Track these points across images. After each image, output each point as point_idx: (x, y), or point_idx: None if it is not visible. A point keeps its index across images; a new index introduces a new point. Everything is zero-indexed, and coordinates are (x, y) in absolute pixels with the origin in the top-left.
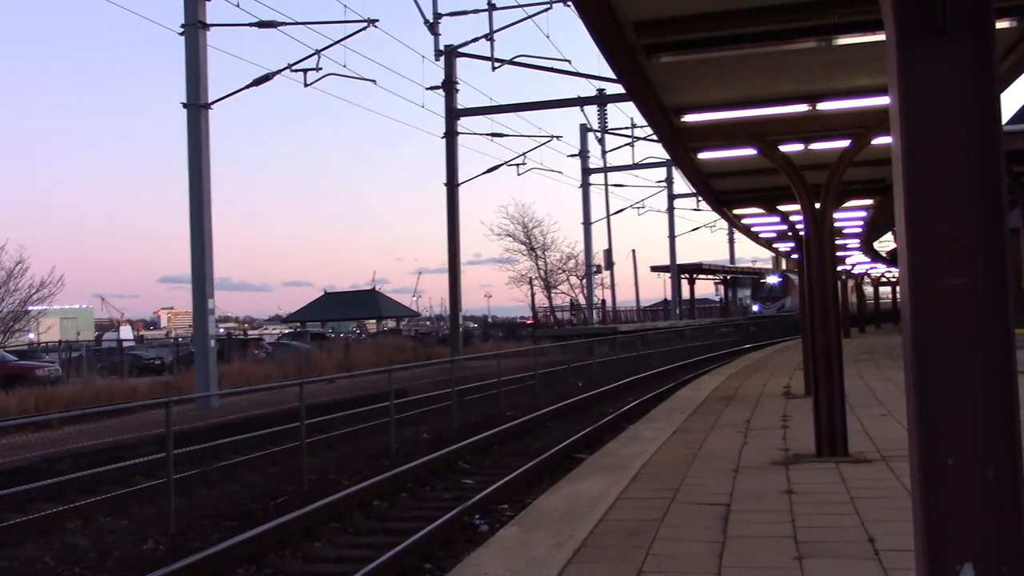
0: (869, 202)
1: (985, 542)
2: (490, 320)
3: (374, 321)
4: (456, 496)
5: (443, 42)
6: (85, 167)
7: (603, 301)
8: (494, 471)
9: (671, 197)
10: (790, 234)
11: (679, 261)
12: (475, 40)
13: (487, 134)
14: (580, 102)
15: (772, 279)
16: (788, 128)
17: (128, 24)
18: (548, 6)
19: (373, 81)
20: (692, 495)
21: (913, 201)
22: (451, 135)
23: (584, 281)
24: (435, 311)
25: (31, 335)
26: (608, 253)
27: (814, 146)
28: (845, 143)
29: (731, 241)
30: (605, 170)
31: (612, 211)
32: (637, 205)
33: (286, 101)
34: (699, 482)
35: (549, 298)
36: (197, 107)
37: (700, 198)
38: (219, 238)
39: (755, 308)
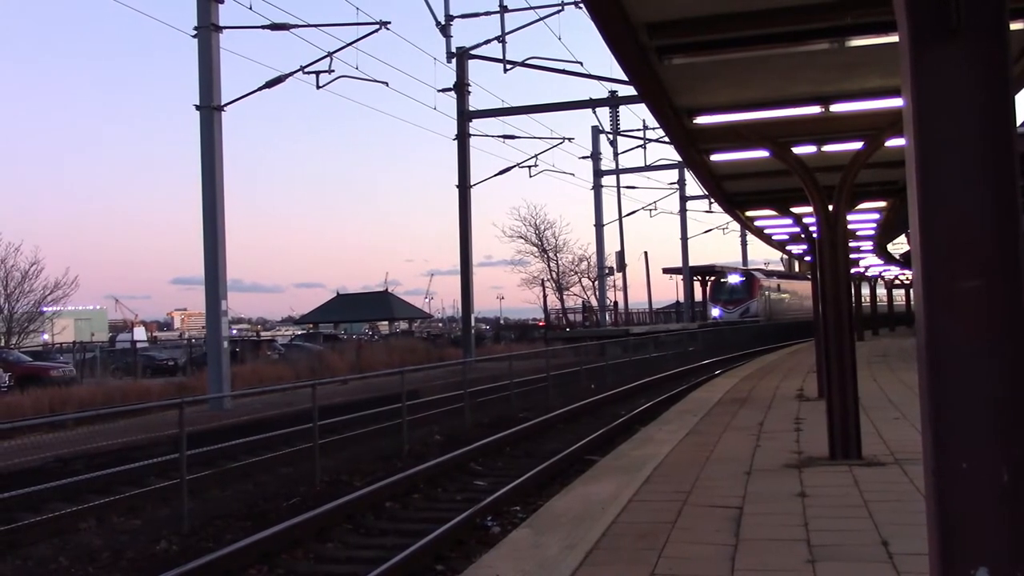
0: (882, 204)
1: (999, 545)
2: (502, 322)
3: (386, 322)
4: (468, 497)
5: (455, 44)
6: (99, 168)
7: (615, 303)
8: (506, 473)
9: (683, 199)
10: (803, 236)
11: (691, 263)
12: (487, 42)
13: (499, 136)
14: (592, 104)
15: (734, 278)
16: (801, 130)
17: (142, 27)
18: (560, 8)
19: (385, 83)
20: (705, 497)
21: (926, 203)
22: (463, 137)
23: (596, 283)
24: (447, 312)
25: (45, 336)
26: (620, 255)
27: (827, 148)
28: (858, 145)
29: (744, 243)
30: (617, 172)
31: (624, 213)
32: (649, 207)
33: (299, 103)
34: (712, 484)
35: (561, 300)
36: (210, 109)
37: (712, 200)
38: (231, 239)
39: (714, 313)
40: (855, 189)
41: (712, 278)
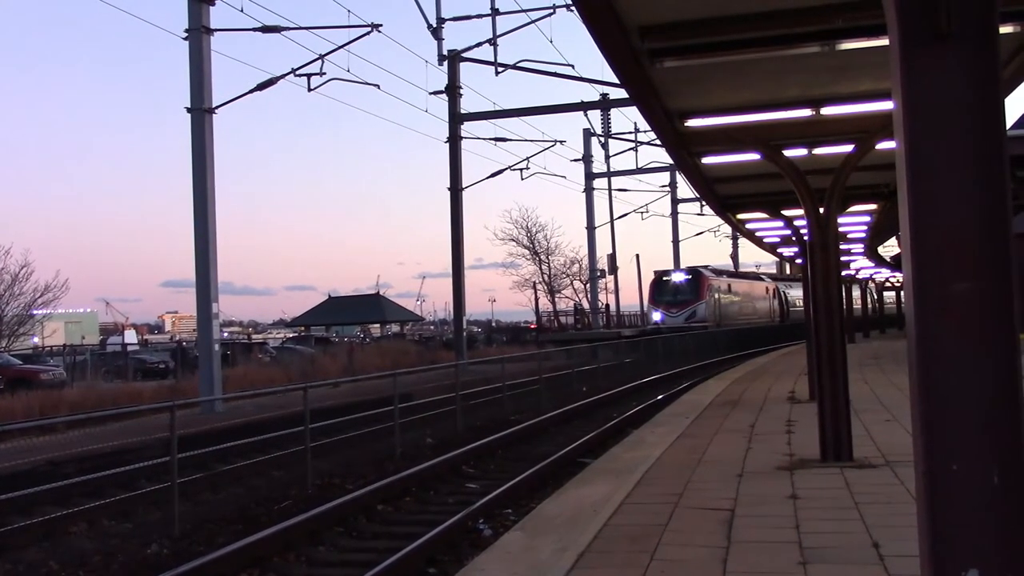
0: (873, 207)
1: (990, 547)
2: (494, 324)
3: (378, 325)
4: (460, 500)
5: (446, 47)
6: (89, 171)
7: (607, 305)
8: (498, 475)
9: (675, 201)
10: (794, 239)
11: (683, 266)
12: (478, 45)
13: (491, 138)
14: (583, 107)
15: (678, 276)
16: (792, 132)
17: (133, 29)
18: (551, 11)
19: (377, 86)
20: (696, 500)
21: (917, 205)
22: (455, 139)
23: (588, 285)
24: (439, 315)
25: (36, 339)
26: (612, 257)
27: (818, 151)
28: (849, 147)
29: (735, 246)
30: (609, 174)
31: (616, 215)
32: (641, 210)
33: (290, 105)
34: (703, 487)
35: (553, 302)
36: (201, 111)
37: (704, 203)
38: (223, 242)
39: (655, 317)
40: (846, 192)
41: (653, 276)
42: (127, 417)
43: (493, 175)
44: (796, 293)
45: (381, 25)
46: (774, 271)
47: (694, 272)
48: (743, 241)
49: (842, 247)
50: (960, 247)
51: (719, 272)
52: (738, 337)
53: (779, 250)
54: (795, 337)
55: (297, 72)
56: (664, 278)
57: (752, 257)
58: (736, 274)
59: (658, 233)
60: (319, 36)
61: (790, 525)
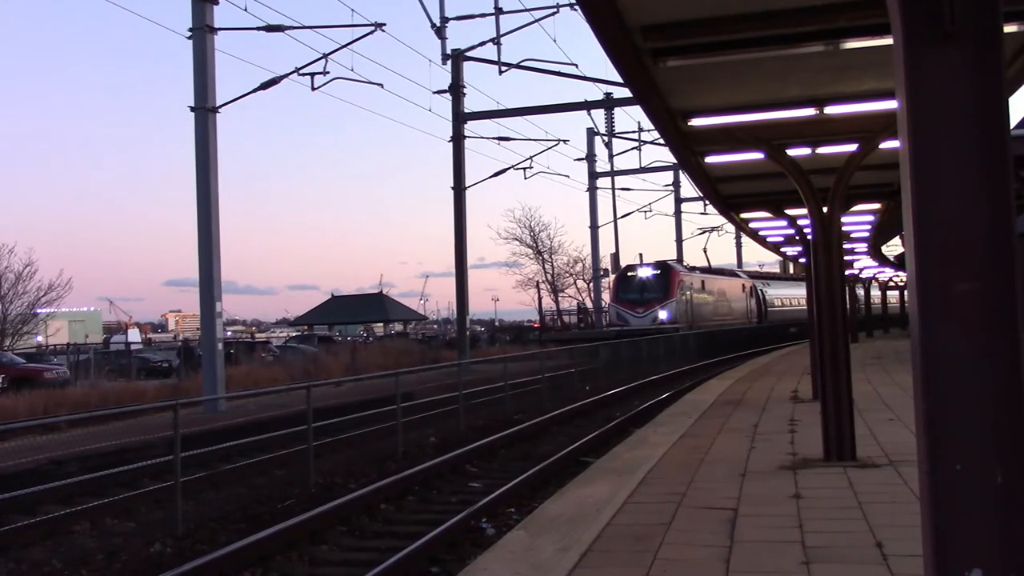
0: (877, 206)
1: (993, 547)
2: (497, 324)
3: (381, 324)
4: (463, 500)
5: (450, 46)
6: (93, 170)
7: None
8: (501, 475)
9: (678, 201)
10: (797, 238)
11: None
12: (482, 44)
13: (494, 138)
14: (587, 106)
15: (645, 271)
16: (795, 132)
17: (136, 28)
18: (555, 10)
19: (380, 85)
20: (699, 499)
21: (921, 205)
22: (458, 139)
23: (591, 285)
24: (442, 314)
25: (39, 338)
26: (615, 257)
27: (821, 150)
28: (852, 147)
29: (738, 245)
30: (612, 174)
31: (619, 215)
32: (644, 209)
33: (294, 105)
34: (706, 486)
35: (556, 302)
36: (205, 111)
37: (707, 202)
38: (226, 241)
39: (619, 318)
40: (850, 191)
41: (617, 272)
42: (130, 416)
43: (496, 174)
44: (775, 292)
45: (385, 24)
46: (777, 270)
47: (663, 267)
48: (744, 240)
49: (845, 246)
50: (964, 247)
51: (692, 268)
52: (711, 341)
53: (782, 249)
54: (774, 340)
55: (301, 71)
56: (629, 273)
57: (754, 256)
58: (711, 270)
59: (662, 232)
60: (323, 35)
61: (793, 525)
